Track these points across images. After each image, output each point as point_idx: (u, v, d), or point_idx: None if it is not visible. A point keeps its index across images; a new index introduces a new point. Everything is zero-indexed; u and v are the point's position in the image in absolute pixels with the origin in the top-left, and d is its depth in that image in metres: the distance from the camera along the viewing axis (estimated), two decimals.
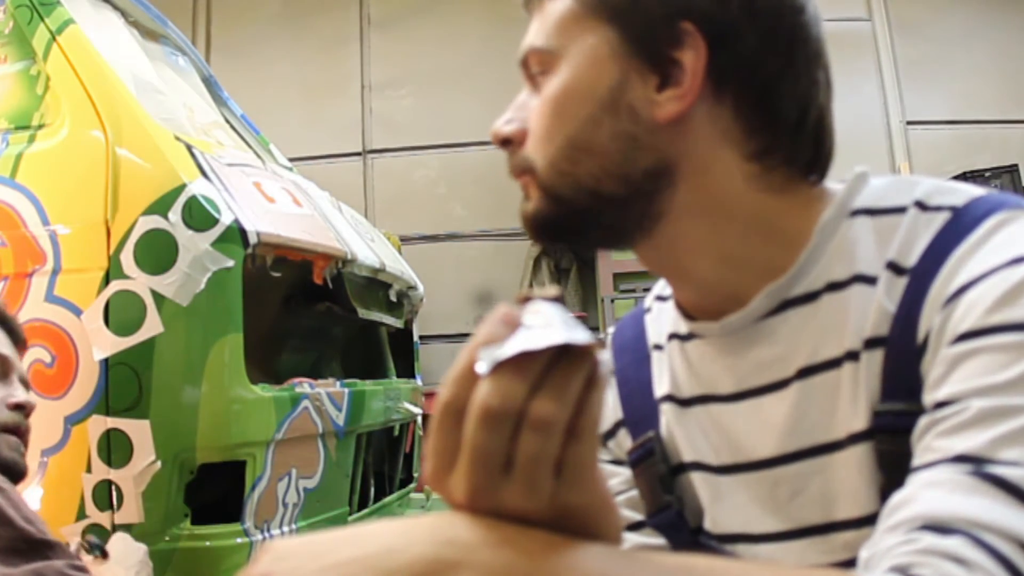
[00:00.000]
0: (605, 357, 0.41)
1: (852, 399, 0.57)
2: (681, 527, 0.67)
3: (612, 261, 4.56)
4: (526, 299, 0.43)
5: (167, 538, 1.68)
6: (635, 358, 0.74)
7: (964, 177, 4.43)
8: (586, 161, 0.62)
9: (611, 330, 0.80)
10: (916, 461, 0.49)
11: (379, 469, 2.70)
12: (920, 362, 0.53)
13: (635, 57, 0.61)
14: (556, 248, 4.95)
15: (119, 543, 1.50)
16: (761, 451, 0.62)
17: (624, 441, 0.73)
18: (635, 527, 0.70)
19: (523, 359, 0.39)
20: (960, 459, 0.46)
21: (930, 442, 0.49)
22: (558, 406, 0.39)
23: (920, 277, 0.55)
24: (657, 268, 0.68)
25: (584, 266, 5.10)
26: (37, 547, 1.04)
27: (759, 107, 0.61)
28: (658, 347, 0.73)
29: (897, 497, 0.48)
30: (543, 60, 0.65)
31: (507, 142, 0.66)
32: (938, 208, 0.58)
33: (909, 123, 5.23)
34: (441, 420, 0.41)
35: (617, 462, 0.74)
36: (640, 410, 0.72)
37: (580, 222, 0.64)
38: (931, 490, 0.46)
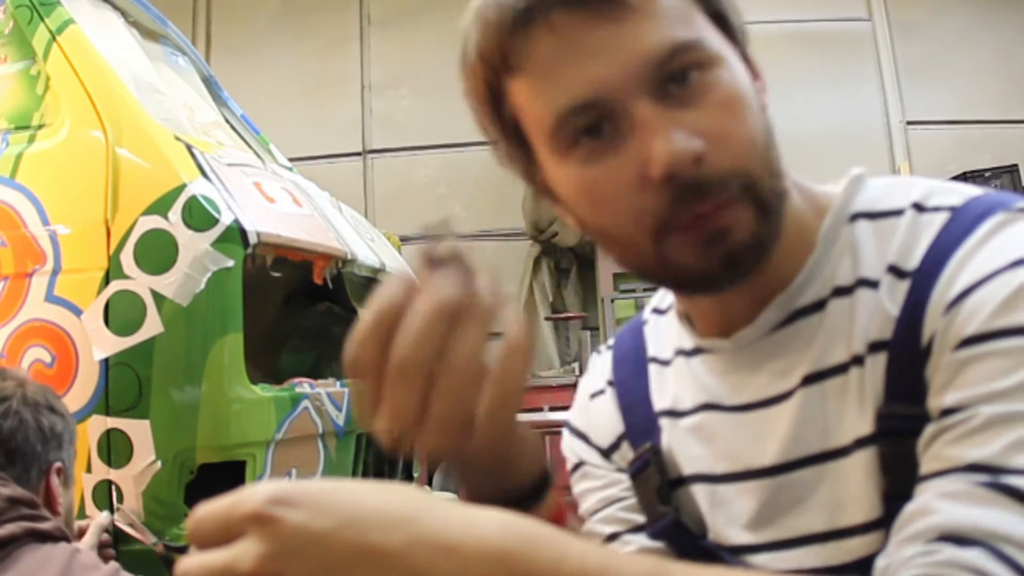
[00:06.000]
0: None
1: (859, 404, 0.57)
2: (680, 535, 0.66)
3: (612, 261, 4.54)
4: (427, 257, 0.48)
5: (167, 538, 1.68)
6: (634, 369, 0.73)
7: (964, 177, 4.43)
8: (776, 157, 0.57)
9: (611, 342, 0.79)
10: (925, 468, 0.49)
11: (379, 469, 2.70)
12: (924, 366, 0.53)
13: (736, 50, 0.59)
14: (558, 253, 4.95)
15: None
16: (763, 459, 0.62)
17: (627, 453, 0.72)
18: (639, 529, 0.70)
19: (431, 322, 0.45)
20: (973, 468, 0.46)
21: (939, 450, 0.49)
22: (467, 359, 0.45)
23: (922, 280, 0.55)
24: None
25: (584, 266, 5.10)
26: None
27: None
28: (656, 360, 0.72)
29: (912, 507, 0.48)
30: (701, 55, 0.55)
31: (700, 160, 0.53)
32: (936, 209, 0.57)
33: (909, 123, 5.23)
34: (353, 374, 0.46)
35: (620, 471, 0.74)
36: (640, 422, 0.71)
37: (779, 232, 0.57)
38: (947, 501, 0.46)
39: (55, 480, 1.23)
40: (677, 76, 0.54)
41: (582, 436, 0.75)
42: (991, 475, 0.45)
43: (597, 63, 0.53)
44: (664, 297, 0.75)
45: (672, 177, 0.52)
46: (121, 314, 1.71)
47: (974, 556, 0.42)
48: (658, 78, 0.54)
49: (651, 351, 0.73)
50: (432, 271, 0.47)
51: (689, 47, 0.54)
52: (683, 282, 0.60)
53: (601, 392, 0.75)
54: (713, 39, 0.56)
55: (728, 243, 0.55)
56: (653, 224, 0.55)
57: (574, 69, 0.54)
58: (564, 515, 0.57)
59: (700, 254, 0.55)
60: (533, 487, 0.56)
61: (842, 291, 0.59)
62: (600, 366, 0.77)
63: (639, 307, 0.83)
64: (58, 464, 1.24)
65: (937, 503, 0.46)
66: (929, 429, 0.50)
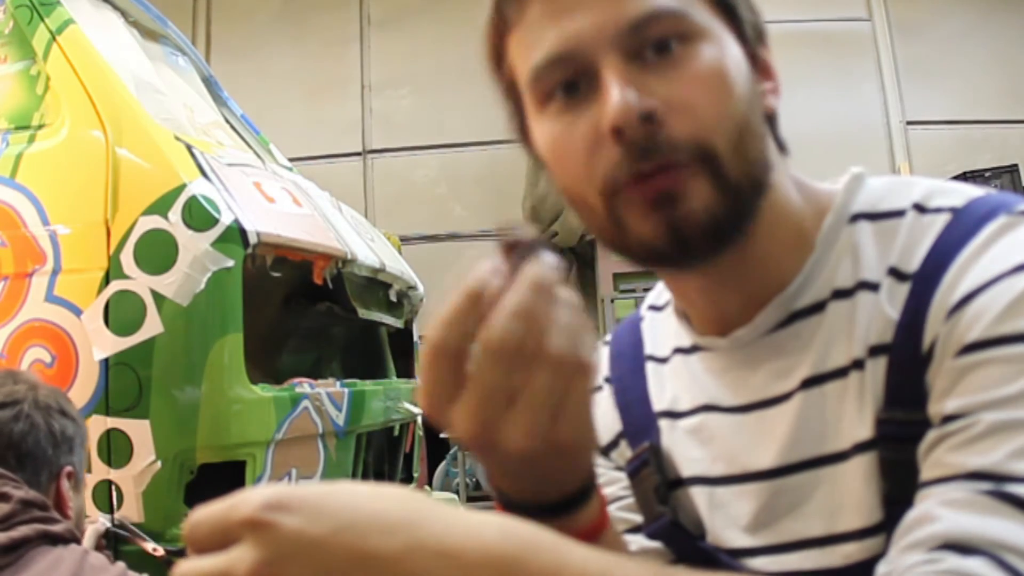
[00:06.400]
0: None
1: (858, 408, 0.56)
2: (678, 536, 0.66)
3: (612, 261, 4.56)
4: (509, 243, 0.46)
5: (167, 538, 1.68)
6: (632, 367, 0.73)
7: (964, 177, 4.43)
8: (754, 145, 0.56)
9: (608, 337, 0.78)
10: (927, 475, 0.49)
11: (379, 469, 2.70)
12: (925, 371, 0.53)
13: (740, 42, 0.58)
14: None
15: None
16: (761, 462, 0.61)
17: (625, 452, 0.72)
18: (638, 529, 0.70)
19: (535, 302, 0.43)
20: (975, 476, 0.46)
21: (941, 456, 0.49)
22: (569, 344, 0.43)
23: (923, 283, 0.54)
24: (712, 282, 0.61)
25: (584, 266, 5.10)
26: None
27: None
28: (654, 359, 0.72)
29: (914, 514, 0.47)
30: (684, 26, 0.55)
31: (649, 118, 0.52)
32: (937, 210, 0.57)
33: (909, 123, 5.23)
34: (435, 360, 0.44)
35: (619, 469, 0.73)
36: (639, 421, 0.71)
37: (745, 221, 0.57)
38: (950, 509, 0.46)
39: (65, 484, 1.23)
40: (658, 44, 0.54)
41: None
42: (993, 483, 0.45)
43: (576, 20, 0.54)
44: (661, 293, 0.74)
45: (620, 132, 0.52)
46: (121, 314, 1.71)
47: (976, 565, 0.42)
48: (635, 42, 0.54)
49: (648, 349, 0.73)
50: (517, 256, 0.45)
51: (671, 15, 0.54)
52: (635, 251, 0.58)
53: (598, 389, 0.74)
54: (702, 15, 0.56)
55: (676, 211, 0.54)
56: (602, 182, 0.55)
57: (555, 26, 0.55)
58: (606, 521, 0.55)
59: (646, 216, 0.54)
60: (580, 489, 0.53)
61: (842, 293, 0.58)
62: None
63: (639, 307, 0.82)
64: (68, 468, 1.24)
65: (939, 511, 0.46)
66: (930, 435, 0.50)
